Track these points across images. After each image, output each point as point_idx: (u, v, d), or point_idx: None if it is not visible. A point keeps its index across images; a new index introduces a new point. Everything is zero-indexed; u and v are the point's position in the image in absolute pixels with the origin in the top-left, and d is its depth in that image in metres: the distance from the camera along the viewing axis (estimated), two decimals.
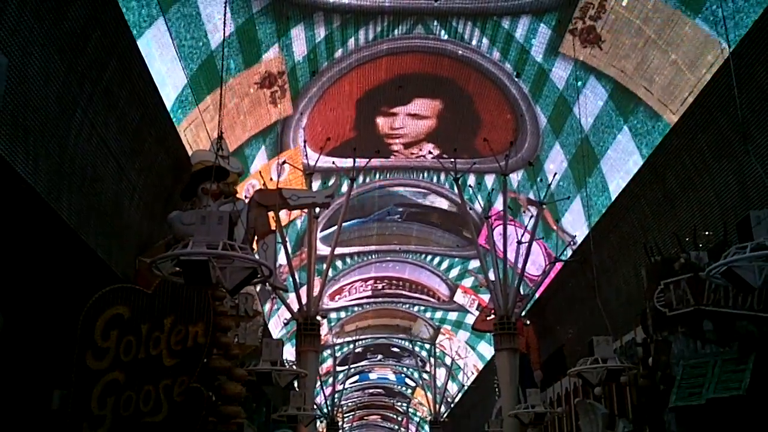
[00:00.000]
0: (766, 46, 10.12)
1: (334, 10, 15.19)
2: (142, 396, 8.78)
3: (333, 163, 19.35)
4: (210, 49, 13.38)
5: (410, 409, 50.86)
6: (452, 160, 19.28)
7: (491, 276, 18.58)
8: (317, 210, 18.20)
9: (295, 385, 16.90)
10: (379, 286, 31.77)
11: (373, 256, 28.55)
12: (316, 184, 19.73)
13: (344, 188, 19.44)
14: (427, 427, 41.67)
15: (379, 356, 41.62)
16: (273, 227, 14.14)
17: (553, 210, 19.28)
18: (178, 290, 9.01)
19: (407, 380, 45.91)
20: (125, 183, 11.21)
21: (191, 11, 12.49)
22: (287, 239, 19.03)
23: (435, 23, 16.06)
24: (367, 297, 32.41)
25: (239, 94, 15.47)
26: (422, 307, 33.32)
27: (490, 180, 21.05)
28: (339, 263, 27.84)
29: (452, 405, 37.43)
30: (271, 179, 17.78)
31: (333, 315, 31.92)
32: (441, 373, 35.59)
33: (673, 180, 13.38)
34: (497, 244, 18.99)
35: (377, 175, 22.41)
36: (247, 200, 13.25)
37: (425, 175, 22.64)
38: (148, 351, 8.97)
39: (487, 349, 29.93)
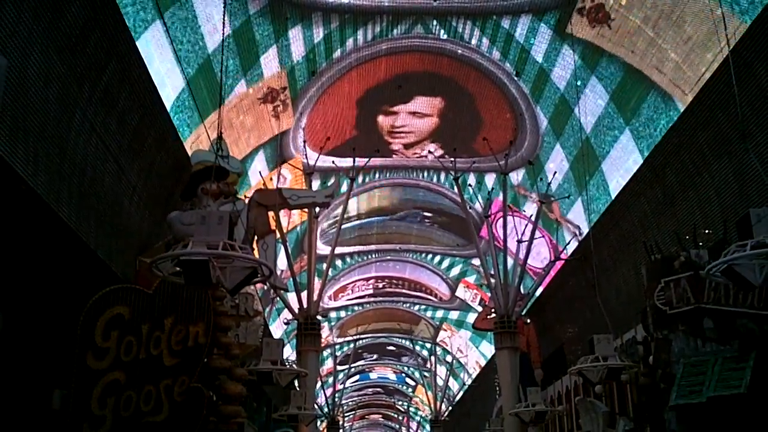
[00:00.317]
0: (765, 44, 10.12)
1: (332, 10, 15.19)
2: (142, 396, 8.78)
3: (333, 162, 19.36)
4: (207, 52, 13.40)
5: (411, 408, 50.83)
6: (452, 159, 19.29)
7: (491, 275, 18.55)
8: (317, 210, 18.19)
9: (296, 384, 16.90)
10: (380, 285, 31.75)
11: (374, 256, 28.55)
12: (315, 184, 19.74)
13: (344, 188, 19.46)
14: (428, 426, 41.62)
15: (375, 356, 41.51)
16: (273, 227, 14.15)
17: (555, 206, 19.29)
18: (179, 290, 9.00)
19: (407, 380, 45.88)
20: (125, 183, 11.22)
21: (187, 14, 12.51)
22: (287, 242, 19.02)
23: (434, 23, 16.05)
24: (368, 296, 32.38)
25: (243, 110, 15.53)
26: (423, 306, 33.30)
27: (490, 179, 21.04)
28: (339, 262, 27.83)
29: (453, 404, 37.37)
30: (271, 179, 17.79)
31: (333, 315, 31.88)
32: (442, 372, 35.51)
33: (673, 178, 13.37)
34: (497, 236, 19.00)
35: (377, 175, 22.42)
36: (246, 200, 13.26)
37: (425, 174, 22.64)
38: (149, 351, 8.96)
39: (488, 348, 29.90)
